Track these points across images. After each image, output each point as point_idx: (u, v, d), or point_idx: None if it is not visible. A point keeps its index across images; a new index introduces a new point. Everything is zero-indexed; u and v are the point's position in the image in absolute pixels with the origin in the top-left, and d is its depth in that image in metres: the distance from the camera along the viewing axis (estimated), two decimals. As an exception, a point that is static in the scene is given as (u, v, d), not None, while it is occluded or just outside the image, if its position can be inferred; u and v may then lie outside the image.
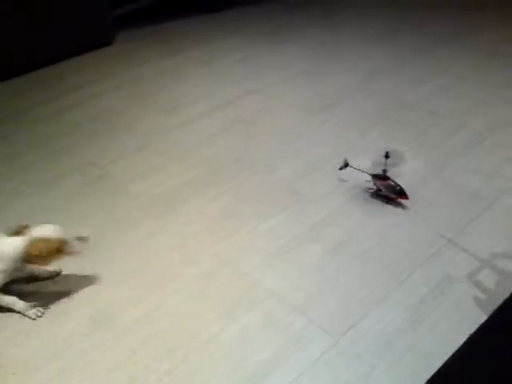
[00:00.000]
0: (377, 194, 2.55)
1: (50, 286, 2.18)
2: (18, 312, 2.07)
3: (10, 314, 2.07)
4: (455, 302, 2.02)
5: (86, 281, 2.21)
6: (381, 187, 2.51)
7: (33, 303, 2.09)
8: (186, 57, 4.08)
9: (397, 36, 4.22)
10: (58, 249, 2.00)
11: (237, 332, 1.96)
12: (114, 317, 2.04)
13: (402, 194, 2.45)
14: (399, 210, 2.48)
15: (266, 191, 2.65)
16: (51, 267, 2.21)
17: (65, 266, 2.26)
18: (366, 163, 2.71)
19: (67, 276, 2.23)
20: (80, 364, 1.87)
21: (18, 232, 2.02)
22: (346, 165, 2.61)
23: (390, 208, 2.49)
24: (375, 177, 2.53)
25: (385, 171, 2.49)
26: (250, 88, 3.59)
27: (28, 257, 1.97)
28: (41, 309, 2.09)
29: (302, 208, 2.52)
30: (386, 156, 2.46)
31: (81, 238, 2.06)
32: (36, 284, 2.19)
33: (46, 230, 2.01)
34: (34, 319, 2.06)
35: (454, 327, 1.93)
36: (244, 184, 2.71)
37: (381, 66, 3.79)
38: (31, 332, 2.00)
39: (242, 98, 3.48)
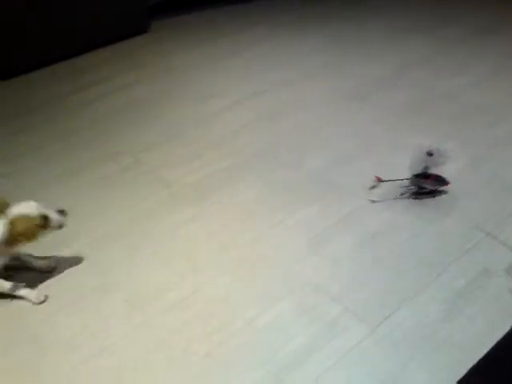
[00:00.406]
0: (419, 193, 2.48)
1: (87, 269, 2.21)
2: (20, 297, 2.09)
3: (50, 293, 2.11)
4: (493, 295, 2.00)
5: (122, 264, 2.23)
6: (424, 185, 2.44)
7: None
8: (215, 46, 4.10)
9: (430, 27, 4.16)
10: (40, 225, 2.00)
11: (272, 319, 1.96)
12: (152, 300, 2.07)
13: (444, 181, 2.43)
14: (437, 202, 2.45)
15: (298, 181, 2.64)
16: (46, 261, 2.23)
17: (100, 249, 2.31)
18: (399, 157, 2.70)
19: (104, 259, 2.26)
20: (119, 344, 1.90)
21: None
22: (381, 180, 2.52)
23: (427, 201, 2.47)
24: (418, 176, 2.45)
25: (426, 168, 2.42)
26: (278, 79, 3.59)
27: (11, 236, 1.95)
28: (44, 294, 2.11)
29: (335, 199, 2.51)
30: (429, 154, 2.39)
31: (61, 212, 2.07)
32: (67, 267, 2.23)
33: (25, 208, 1.99)
34: (37, 303, 2.08)
35: (492, 320, 1.91)
36: (276, 174, 2.71)
37: (413, 57, 3.74)
38: (70, 312, 2.03)
39: (271, 89, 3.47)
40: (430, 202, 2.46)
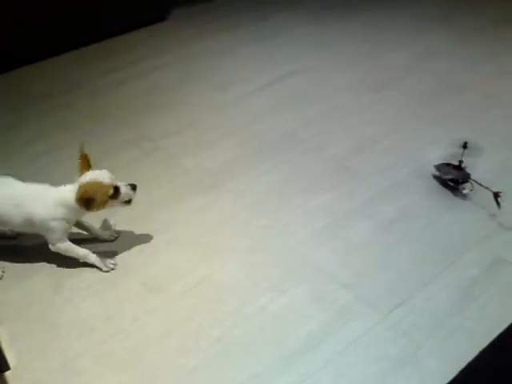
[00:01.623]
0: (444, 182, 2.47)
1: (105, 252, 2.26)
2: (91, 264, 2.17)
3: (67, 276, 2.17)
4: (507, 284, 1.99)
5: (138, 249, 2.28)
6: (451, 175, 2.43)
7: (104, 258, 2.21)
8: (238, 34, 4.10)
9: (453, 17, 4.11)
10: (110, 194, 2.04)
11: (285, 304, 1.98)
12: (166, 285, 2.10)
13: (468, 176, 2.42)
14: (450, 193, 2.45)
15: (316, 168, 2.66)
16: (109, 232, 2.33)
17: (119, 234, 2.36)
18: (420, 146, 2.71)
19: (121, 243, 2.31)
20: (133, 328, 1.94)
21: (82, 170, 2.07)
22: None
23: (443, 189, 2.46)
24: (448, 165, 2.46)
25: (461, 162, 2.41)
26: (301, 66, 3.58)
27: (81, 197, 1.99)
28: (112, 261, 2.19)
29: (352, 185, 2.52)
30: (464, 146, 2.38)
31: (132, 187, 2.11)
32: (94, 248, 2.26)
33: (98, 175, 2.05)
34: (108, 271, 2.16)
35: (505, 309, 1.90)
36: (294, 160, 2.72)
37: (436, 47, 3.71)
38: (86, 295, 2.08)
39: (293, 76, 3.48)
40: (444, 191, 2.46)
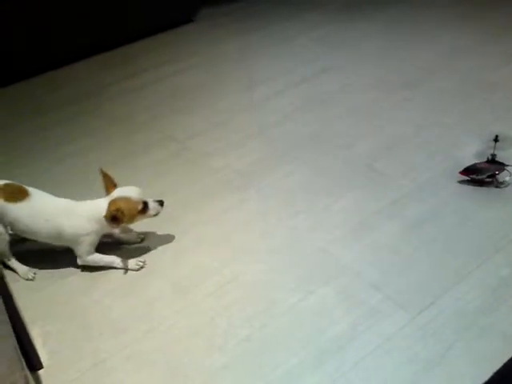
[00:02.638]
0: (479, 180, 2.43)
1: (134, 254, 2.29)
2: (120, 268, 2.21)
3: (97, 278, 2.20)
4: (539, 284, 1.97)
5: (167, 249, 2.30)
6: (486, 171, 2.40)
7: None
8: (264, 34, 4.10)
9: (480, 14, 4.06)
10: (139, 209, 2.10)
11: (313, 304, 1.98)
12: (194, 284, 2.12)
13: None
14: (483, 189, 2.42)
15: (343, 168, 2.65)
16: (135, 234, 2.35)
17: (148, 234, 2.38)
18: (448, 145, 2.67)
19: (150, 244, 2.34)
20: (163, 327, 1.96)
21: (106, 187, 2.14)
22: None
23: (473, 188, 2.43)
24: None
25: (494, 155, 2.39)
26: (326, 65, 3.57)
27: (111, 215, 2.04)
28: (141, 259, 2.22)
29: (379, 185, 2.51)
30: (496, 139, 2.36)
31: (160, 202, 2.17)
32: (123, 251, 2.30)
33: (128, 191, 2.11)
34: (138, 270, 2.20)
35: (537, 310, 1.88)
36: (321, 160, 2.72)
37: (461, 45, 3.66)
38: (117, 296, 2.11)
39: (318, 76, 3.47)
40: (476, 189, 2.43)
